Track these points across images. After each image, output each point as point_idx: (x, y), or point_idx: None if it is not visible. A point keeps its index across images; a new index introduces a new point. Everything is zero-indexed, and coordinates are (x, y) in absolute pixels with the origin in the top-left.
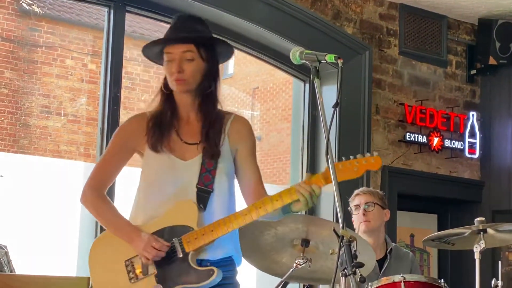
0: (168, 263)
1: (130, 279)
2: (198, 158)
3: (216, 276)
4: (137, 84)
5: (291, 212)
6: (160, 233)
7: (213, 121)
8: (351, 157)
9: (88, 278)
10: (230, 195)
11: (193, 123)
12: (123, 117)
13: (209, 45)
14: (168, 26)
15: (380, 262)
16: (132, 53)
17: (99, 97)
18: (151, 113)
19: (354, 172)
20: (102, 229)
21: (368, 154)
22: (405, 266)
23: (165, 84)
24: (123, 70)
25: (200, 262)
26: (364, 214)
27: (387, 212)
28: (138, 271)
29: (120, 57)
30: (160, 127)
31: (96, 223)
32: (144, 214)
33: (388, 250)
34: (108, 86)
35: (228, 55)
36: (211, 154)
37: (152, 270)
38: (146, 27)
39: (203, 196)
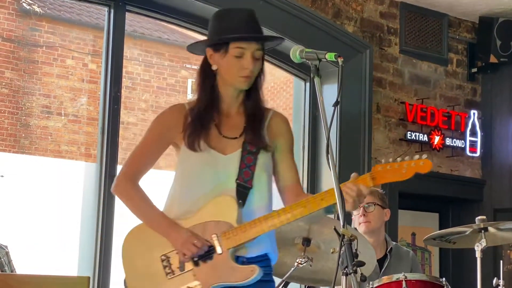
0: (206, 259)
1: (167, 274)
2: (237, 153)
3: (257, 274)
4: (137, 84)
5: (332, 212)
6: (197, 228)
7: (256, 115)
8: (399, 159)
9: (89, 278)
10: (269, 192)
11: (234, 117)
12: (124, 116)
13: (265, 44)
14: (168, 25)
15: (380, 262)
16: (132, 53)
17: (99, 96)
18: (190, 106)
19: (402, 174)
20: (103, 228)
21: (417, 157)
22: (405, 265)
23: (209, 76)
24: (124, 70)
25: (236, 259)
26: (364, 215)
27: (388, 212)
28: (174, 266)
29: (120, 56)
30: (199, 122)
31: (97, 222)
32: (180, 208)
33: (388, 250)
34: (109, 85)
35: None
36: (255, 147)
37: (190, 266)
38: (146, 27)
39: (242, 192)
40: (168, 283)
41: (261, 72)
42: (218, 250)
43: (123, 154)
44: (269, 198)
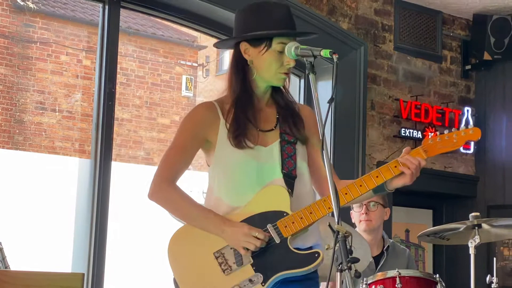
0: (264, 250)
1: (224, 270)
2: (277, 144)
3: (321, 258)
4: (132, 80)
5: (384, 191)
6: (250, 220)
7: (289, 107)
8: (446, 131)
9: (83, 274)
10: (309, 180)
11: (265, 110)
12: (118, 113)
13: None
14: (162, 22)
15: (377, 259)
16: (127, 49)
17: (94, 93)
18: (220, 102)
19: (454, 144)
20: (97, 225)
21: (463, 127)
22: (401, 263)
23: (242, 71)
24: (118, 66)
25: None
26: (366, 213)
27: (388, 211)
28: (231, 262)
29: (115, 53)
30: (241, 120)
31: (92, 218)
32: (227, 203)
33: (385, 248)
34: (103, 82)
35: None
36: (293, 137)
37: (248, 259)
38: (141, 23)
39: (289, 182)
40: (226, 280)
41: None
42: (276, 239)
43: (117, 151)
44: (311, 186)
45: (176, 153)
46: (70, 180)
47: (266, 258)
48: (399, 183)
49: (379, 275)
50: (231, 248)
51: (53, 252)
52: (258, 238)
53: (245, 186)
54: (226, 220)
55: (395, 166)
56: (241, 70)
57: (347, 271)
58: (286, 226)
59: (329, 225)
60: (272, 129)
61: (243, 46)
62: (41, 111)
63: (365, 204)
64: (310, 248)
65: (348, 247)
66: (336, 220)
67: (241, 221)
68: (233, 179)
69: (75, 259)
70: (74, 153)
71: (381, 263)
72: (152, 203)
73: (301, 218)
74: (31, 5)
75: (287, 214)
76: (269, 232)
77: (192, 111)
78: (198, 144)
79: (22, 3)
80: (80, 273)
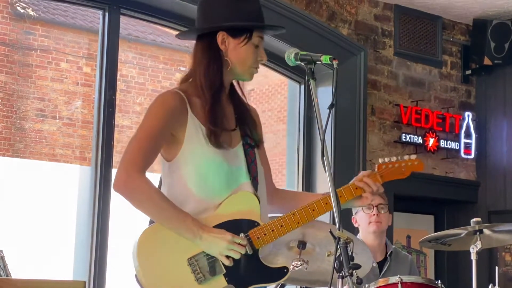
0: (236, 261)
1: (197, 279)
2: (240, 146)
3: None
4: (132, 87)
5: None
6: (223, 227)
7: (244, 107)
8: (393, 158)
9: (84, 282)
10: (265, 187)
11: (225, 106)
12: (119, 120)
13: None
14: (162, 28)
15: (380, 264)
16: (127, 56)
17: (94, 100)
18: (186, 93)
19: (402, 172)
20: (98, 232)
21: (406, 157)
22: (404, 269)
23: (216, 62)
24: (118, 73)
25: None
26: (377, 215)
27: (391, 217)
28: (204, 270)
29: (115, 59)
30: (217, 115)
31: (93, 226)
32: (196, 205)
33: (388, 253)
34: (103, 89)
35: None
36: (253, 141)
37: (220, 269)
38: (141, 30)
39: (255, 188)
40: None
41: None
42: (249, 250)
43: (118, 158)
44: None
45: (148, 140)
46: (71, 188)
47: (238, 269)
48: (355, 204)
49: (381, 281)
50: (204, 256)
51: (54, 260)
52: (242, 245)
53: (215, 189)
54: (204, 226)
55: (356, 188)
56: (213, 59)
57: (348, 277)
58: (258, 238)
59: (330, 232)
60: (234, 129)
61: (221, 35)
62: (41, 119)
63: (375, 206)
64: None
65: (349, 253)
66: (337, 227)
67: (213, 227)
68: (206, 182)
69: (76, 267)
70: (74, 160)
71: (385, 268)
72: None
73: (273, 230)
74: (31, 13)
75: (258, 224)
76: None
77: (161, 99)
78: (167, 134)
79: (22, 11)
80: (81, 281)
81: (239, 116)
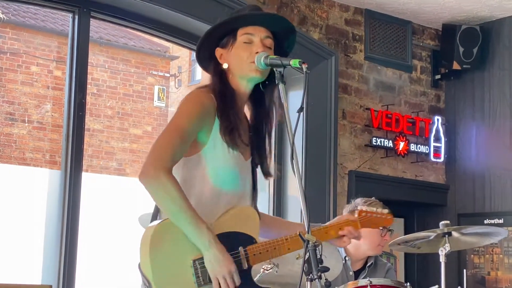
0: None
1: (196, 282)
2: (249, 162)
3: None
4: (103, 91)
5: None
6: (224, 237)
7: (261, 128)
8: (373, 208)
9: (51, 287)
10: None
11: (243, 121)
12: (90, 123)
13: (281, 37)
14: (134, 32)
15: (357, 273)
16: (98, 59)
17: (64, 103)
18: (216, 94)
19: (375, 224)
20: (67, 236)
21: (380, 210)
22: (379, 276)
23: (223, 77)
24: (89, 77)
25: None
26: (387, 239)
27: None
28: (204, 275)
29: (85, 63)
30: (233, 115)
31: (62, 230)
32: (204, 209)
33: (368, 264)
34: (73, 92)
35: (289, 50)
36: (258, 163)
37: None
38: (112, 33)
39: (255, 205)
40: None
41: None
42: (244, 265)
43: (89, 161)
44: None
45: (178, 136)
46: (41, 192)
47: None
48: (334, 243)
49: (351, 284)
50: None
51: (22, 264)
52: (235, 283)
53: (225, 197)
54: (217, 241)
55: (340, 229)
56: (220, 75)
57: (317, 280)
58: (254, 255)
59: (300, 235)
60: (248, 145)
61: (218, 52)
62: (11, 122)
63: (389, 230)
64: None
65: (318, 256)
66: (306, 230)
67: (216, 235)
68: (215, 187)
69: (45, 271)
70: (45, 164)
71: (361, 277)
72: (125, 211)
73: (267, 251)
74: (1, 15)
75: (255, 241)
76: (239, 257)
77: (196, 96)
78: (196, 133)
79: None
80: (47, 286)
81: (254, 136)
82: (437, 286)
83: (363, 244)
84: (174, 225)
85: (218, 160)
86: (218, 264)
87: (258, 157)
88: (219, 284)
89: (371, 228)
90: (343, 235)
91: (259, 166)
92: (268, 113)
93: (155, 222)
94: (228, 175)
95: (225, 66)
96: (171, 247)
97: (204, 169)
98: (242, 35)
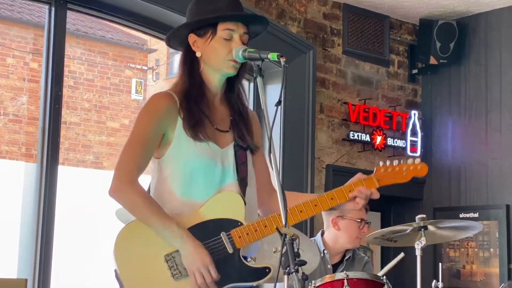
0: (216, 259)
1: (173, 275)
2: (231, 147)
3: (272, 274)
4: (80, 83)
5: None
6: (203, 226)
7: (242, 110)
8: (395, 162)
9: (26, 280)
10: (255, 190)
11: (218, 108)
12: (66, 116)
13: (252, 32)
14: (112, 24)
15: (335, 266)
16: (75, 52)
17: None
18: (181, 93)
19: (403, 177)
20: (43, 230)
21: (410, 161)
22: (357, 269)
23: (194, 64)
24: (66, 69)
25: (245, 259)
26: (365, 231)
27: None
28: (181, 267)
29: (61, 55)
30: (197, 110)
31: (38, 223)
32: (181, 203)
33: (346, 258)
34: (50, 84)
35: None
36: (245, 144)
37: None
38: (89, 26)
39: (243, 189)
40: (175, 285)
41: (244, 63)
42: (229, 249)
43: (65, 155)
44: (256, 196)
45: (139, 146)
46: (16, 185)
47: (217, 267)
48: (346, 206)
49: (327, 278)
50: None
51: None
52: (211, 276)
53: (199, 185)
54: (189, 236)
55: (350, 191)
56: (191, 62)
57: (294, 273)
58: (240, 237)
59: (277, 228)
60: (228, 131)
61: (191, 38)
62: None
63: (367, 223)
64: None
65: (295, 249)
66: (284, 223)
67: (195, 225)
68: (191, 179)
69: (21, 264)
70: (20, 157)
71: (339, 271)
72: (102, 204)
73: (256, 230)
74: None
75: (241, 224)
76: (222, 243)
77: (151, 103)
78: (159, 137)
79: None
80: (23, 279)
81: (234, 119)
82: (402, 253)
83: (341, 237)
84: (140, 225)
85: (184, 155)
86: (192, 259)
87: (239, 139)
88: (196, 279)
89: (350, 220)
90: (355, 197)
91: (245, 146)
92: (238, 94)
93: (122, 226)
94: (197, 167)
95: (198, 54)
96: (140, 248)
97: (173, 166)
98: (223, 30)
